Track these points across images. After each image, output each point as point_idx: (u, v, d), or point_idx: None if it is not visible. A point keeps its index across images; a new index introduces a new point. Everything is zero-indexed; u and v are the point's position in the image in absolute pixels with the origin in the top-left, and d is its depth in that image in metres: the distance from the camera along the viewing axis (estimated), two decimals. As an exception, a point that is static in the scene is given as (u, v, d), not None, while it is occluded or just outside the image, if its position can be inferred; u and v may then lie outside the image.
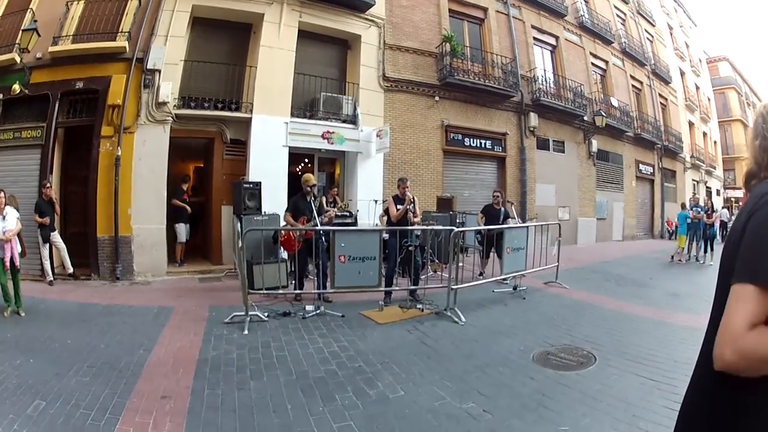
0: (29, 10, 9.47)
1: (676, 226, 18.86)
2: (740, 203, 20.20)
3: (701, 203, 15.08)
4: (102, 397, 3.52)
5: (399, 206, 7.07)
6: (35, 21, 9.03)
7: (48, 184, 8.47)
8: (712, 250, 12.45)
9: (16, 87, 8.87)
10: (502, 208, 9.05)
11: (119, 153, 8.94)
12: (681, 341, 5.10)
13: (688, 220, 12.54)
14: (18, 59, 8.97)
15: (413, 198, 7.12)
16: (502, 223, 8.66)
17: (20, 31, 8.97)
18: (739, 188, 35.79)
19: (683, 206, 13.48)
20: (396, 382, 3.99)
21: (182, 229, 9.84)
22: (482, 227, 8.55)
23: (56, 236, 8.43)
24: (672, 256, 12.73)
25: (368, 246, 6.40)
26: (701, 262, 12.36)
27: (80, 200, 9.40)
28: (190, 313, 6.26)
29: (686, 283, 9.39)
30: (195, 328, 5.47)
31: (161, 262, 9.34)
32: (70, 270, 8.59)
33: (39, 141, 9.23)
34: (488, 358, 4.65)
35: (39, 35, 8.84)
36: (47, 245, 8.22)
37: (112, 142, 9.06)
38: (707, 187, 27.77)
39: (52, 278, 8.13)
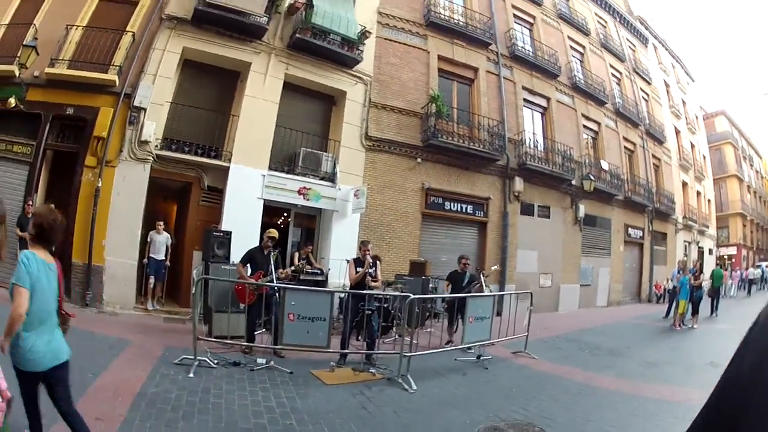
0: (33, 25, 9.77)
1: (665, 290, 19.07)
2: (733, 260, 20.33)
3: (690, 265, 15.17)
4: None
5: (359, 269, 7.19)
6: (35, 38, 9.38)
7: (30, 202, 8.74)
8: (697, 312, 12.42)
9: (12, 100, 9.18)
10: (467, 272, 9.03)
11: (100, 184, 9.37)
12: (649, 416, 5.02)
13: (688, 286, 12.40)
14: (17, 73, 9.25)
15: (373, 262, 7.30)
16: (465, 287, 8.72)
17: (21, 46, 9.27)
18: (732, 245, 36.21)
19: (683, 270, 13.32)
20: (322, 446, 3.98)
21: None
22: (443, 295, 8.59)
23: None
24: (678, 324, 12.46)
25: (318, 306, 6.46)
26: (689, 326, 12.30)
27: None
28: (145, 349, 6.48)
29: (665, 350, 9.34)
30: (144, 364, 5.69)
31: (130, 296, 9.58)
32: None
33: (28, 158, 9.64)
34: (427, 430, 4.61)
35: (38, 53, 9.18)
36: None
37: (94, 173, 9.46)
38: (699, 248, 27.92)
39: None
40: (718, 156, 36.32)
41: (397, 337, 8.15)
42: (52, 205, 3.74)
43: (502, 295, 10.22)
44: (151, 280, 9.87)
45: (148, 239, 9.99)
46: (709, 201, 30.75)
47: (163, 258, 10.08)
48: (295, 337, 6.32)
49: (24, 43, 9.28)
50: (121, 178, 9.55)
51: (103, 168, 9.38)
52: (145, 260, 9.82)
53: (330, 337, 6.56)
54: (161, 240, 10.08)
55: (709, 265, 27.35)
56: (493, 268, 10.53)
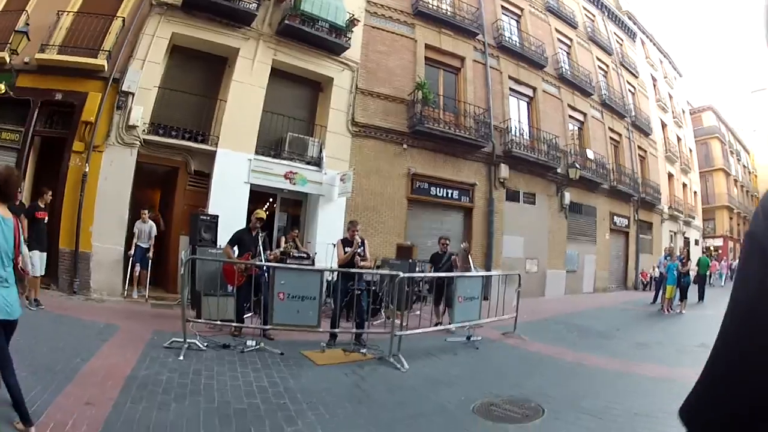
0: (24, 11, 9.73)
1: (651, 278, 19.35)
2: (719, 251, 20.84)
3: (677, 252, 15.40)
4: (33, 392, 3.73)
5: (348, 249, 7.21)
6: (27, 24, 9.33)
7: (20, 189, 8.61)
8: (685, 298, 12.67)
9: (2, 87, 9.14)
10: (447, 252, 9.13)
11: (87, 170, 9.35)
12: (644, 393, 5.03)
13: (675, 272, 12.61)
14: (8, 59, 9.21)
15: (362, 242, 7.30)
16: (443, 266, 8.83)
17: (13, 32, 9.24)
18: (719, 237, 36.64)
19: (671, 256, 13.55)
20: (317, 423, 3.95)
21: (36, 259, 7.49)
22: (432, 274, 8.72)
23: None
24: (666, 309, 12.73)
25: (308, 285, 6.44)
26: (677, 311, 12.52)
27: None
28: (134, 333, 6.48)
29: (656, 332, 9.39)
30: (133, 348, 5.71)
31: (117, 283, 9.56)
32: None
33: (16, 145, 9.56)
34: (423, 407, 4.56)
35: (29, 39, 9.16)
36: None
37: (81, 158, 9.44)
38: (685, 238, 28.21)
39: None
40: (705, 150, 36.69)
41: (386, 319, 8.22)
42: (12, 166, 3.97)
43: (490, 276, 10.35)
44: (137, 267, 9.75)
45: (135, 230, 9.76)
46: (695, 193, 31.11)
47: (148, 246, 9.92)
48: (286, 316, 6.27)
49: (16, 29, 9.25)
50: (108, 162, 9.55)
51: (90, 153, 9.35)
52: (131, 252, 9.63)
53: (320, 316, 6.52)
54: (146, 229, 9.91)
55: (696, 254, 27.77)
56: (462, 245, 10.66)
